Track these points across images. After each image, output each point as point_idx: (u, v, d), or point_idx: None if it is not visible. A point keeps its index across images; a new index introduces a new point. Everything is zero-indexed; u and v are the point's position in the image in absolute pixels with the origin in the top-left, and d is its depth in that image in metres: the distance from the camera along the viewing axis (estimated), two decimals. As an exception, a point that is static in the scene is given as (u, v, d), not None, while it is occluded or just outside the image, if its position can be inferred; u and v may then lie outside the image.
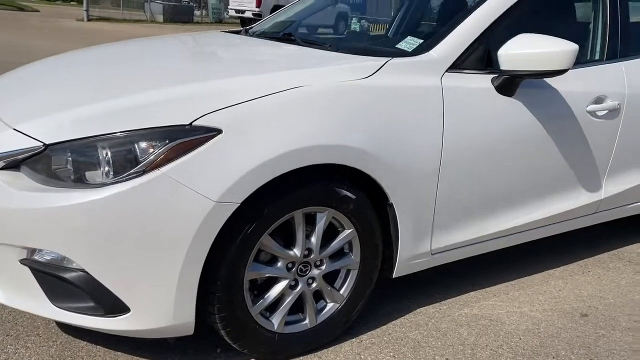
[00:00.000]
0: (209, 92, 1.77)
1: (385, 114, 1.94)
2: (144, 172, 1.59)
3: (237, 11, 23.61)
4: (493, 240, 2.44)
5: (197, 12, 30.06)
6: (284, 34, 2.61)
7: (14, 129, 1.72)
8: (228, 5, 25.11)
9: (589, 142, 2.56)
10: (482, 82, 2.19)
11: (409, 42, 2.24)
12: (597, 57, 2.65)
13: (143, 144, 1.61)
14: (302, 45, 2.40)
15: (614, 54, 2.67)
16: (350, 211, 1.93)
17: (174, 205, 1.59)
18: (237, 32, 3.01)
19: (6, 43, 11.16)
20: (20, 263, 1.68)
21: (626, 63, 2.69)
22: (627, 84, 2.65)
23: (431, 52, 2.14)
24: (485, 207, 2.32)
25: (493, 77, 2.20)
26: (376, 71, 1.98)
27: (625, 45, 2.71)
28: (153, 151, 1.60)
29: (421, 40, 2.23)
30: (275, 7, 22.89)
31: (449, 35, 2.18)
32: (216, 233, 1.64)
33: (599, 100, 2.54)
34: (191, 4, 31.08)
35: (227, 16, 27.42)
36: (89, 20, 21.85)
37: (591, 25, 2.70)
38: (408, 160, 1.99)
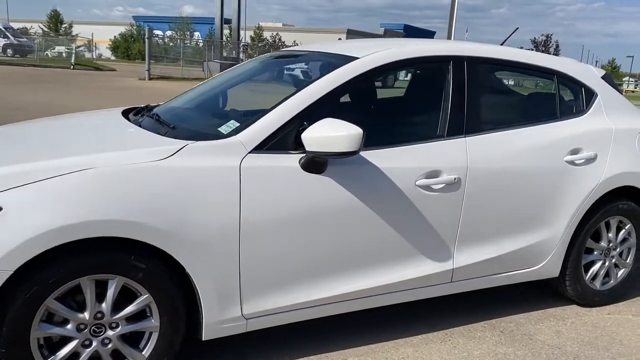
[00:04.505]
0: (3, 174, 2.08)
1: (175, 192, 2.19)
2: None
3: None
4: (322, 306, 2.59)
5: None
6: (153, 114, 2.94)
7: None
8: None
9: (424, 214, 2.68)
10: (288, 161, 2.40)
11: (229, 126, 2.50)
12: (437, 134, 2.79)
13: None
14: (148, 127, 2.70)
15: (457, 131, 2.80)
16: (140, 279, 2.18)
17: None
18: (143, 108, 3.35)
19: (46, 102, 12.25)
20: None
21: (470, 139, 2.81)
22: (469, 159, 2.77)
23: (237, 135, 2.39)
24: (303, 275, 2.49)
25: (301, 157, 2.41)
26: (172, 154, 2.26)
27: (471, 122, 2.84)
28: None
29: (238, 124, 2.49)
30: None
31: (258, 121, 2.44)
32: (-10, 296, 1.94)
33: (431, 174, 2.67)
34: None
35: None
36: (150, 79, 23.45)
37: (432, 105, 2.86)
38: (201, 234, 2.22)
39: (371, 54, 2.72)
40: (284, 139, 2.44)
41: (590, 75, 3.34)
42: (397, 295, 2.76)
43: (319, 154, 2.36)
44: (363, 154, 2.53)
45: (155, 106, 3.43)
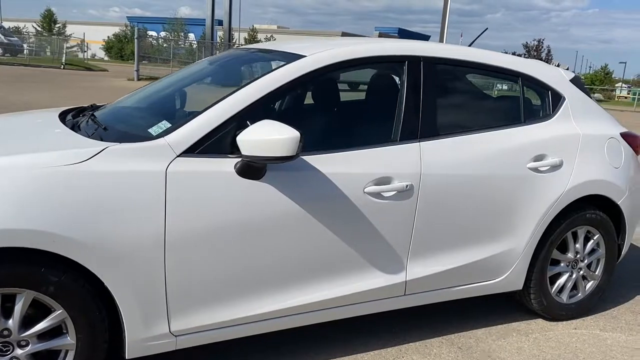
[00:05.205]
0: None
1: (90, 199, 2.00)
2: None
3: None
4: (262, 322, 2.41)
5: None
6: (90, 114, 2.75)
7: None
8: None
9: (373, 223, 2.51)
10: (223, 166, 2.23)
11: (159, 127, 2.33)
12: (389, 138, 2.61)
13: None
14: (81, 128, 2.51)
15: (411, 135, 2.63)
16: (53, 293, 2.00)
17: None
18: (86, 108, 3.16)
19: (32, 102, 12.04)
20: None
21: (425, 144, 2.64)
22: (424, 165, 2.60)
23: (166, 137, 2.21)
24: (238, 290, 2.31)
25: (236, 162, 2.24)
26: (89, 157, 2.07)
27: (427, 126, 2.67)
28: None
29: (169, 125, 2.31)
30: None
31: (190, 122, 2.26)
32: None
33: (382, 181, 2.50)
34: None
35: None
36: (139, 79, 23.20)
37: (384, 107, 2.70)
38: (120, 244, 2.04)
39: (317, 53, 2.55)
40: (219, 142, 2.27)
41: (557, 78, 3.18)
42: (344, 310, 2.58)
43: (256, 159, 2.19)
44: (307, 158, 2.37)
45: (100, 106, 3.25)
